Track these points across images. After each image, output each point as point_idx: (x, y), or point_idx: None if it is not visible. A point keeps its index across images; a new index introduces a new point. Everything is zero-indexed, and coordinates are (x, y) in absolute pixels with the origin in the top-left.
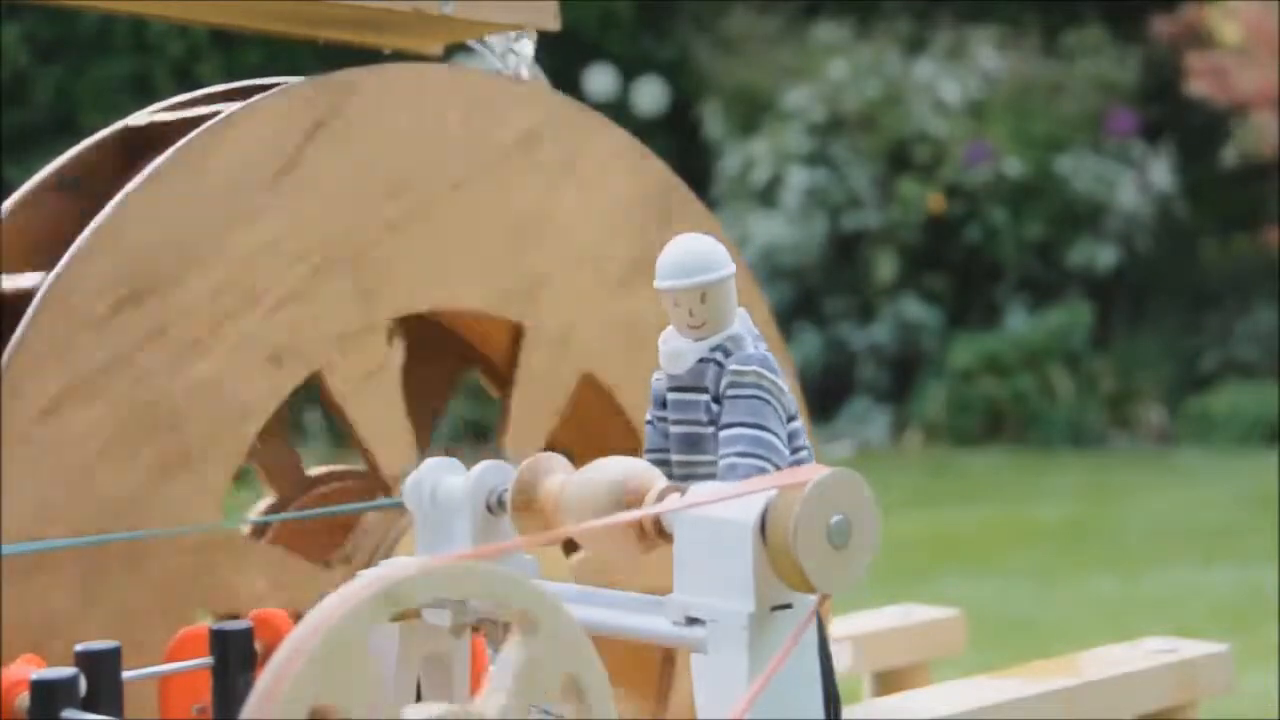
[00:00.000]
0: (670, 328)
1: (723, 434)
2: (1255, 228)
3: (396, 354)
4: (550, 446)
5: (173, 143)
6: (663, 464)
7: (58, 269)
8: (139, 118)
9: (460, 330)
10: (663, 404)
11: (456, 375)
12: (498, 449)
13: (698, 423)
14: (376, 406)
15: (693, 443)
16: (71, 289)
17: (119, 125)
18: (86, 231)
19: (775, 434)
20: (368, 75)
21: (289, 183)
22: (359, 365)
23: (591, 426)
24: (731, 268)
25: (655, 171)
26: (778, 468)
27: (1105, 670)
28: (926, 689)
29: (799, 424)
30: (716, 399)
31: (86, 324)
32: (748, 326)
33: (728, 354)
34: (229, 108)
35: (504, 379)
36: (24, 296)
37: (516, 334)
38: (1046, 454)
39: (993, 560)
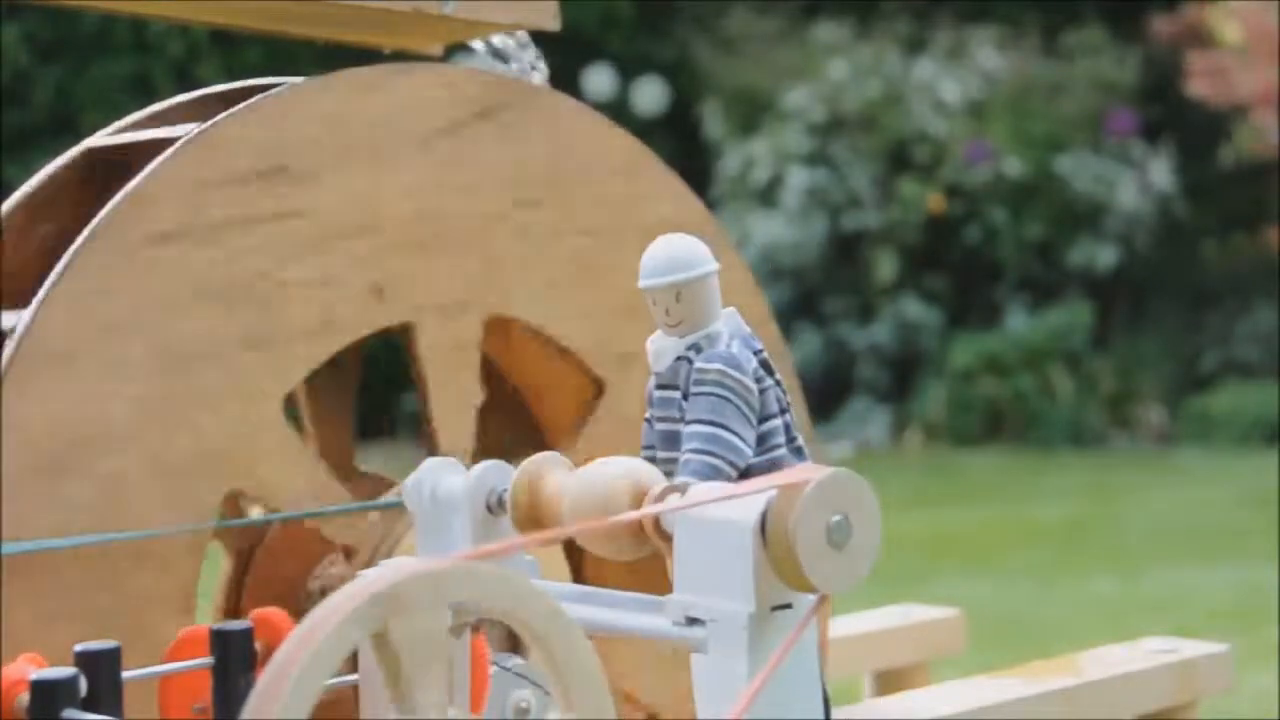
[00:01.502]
0: (659, 328)
1: (684, 430)
2: (1255, 228)
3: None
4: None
5: (139, 165)
6: (652, 461)
7: (210, 121)
8: (100, 139)
9: (523, 384)
10: (651, 402)
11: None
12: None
13: (674, 420)
14: (452, 382)
15: (672, 440)
16: (217, 143)
17: (83, 147)
18: (248, 100)
19: (735, 432)
20: (548, 96)
21: (443, 148)
22: (449, 335)
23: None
24: (710, 266)
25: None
26: (734, 466)
27: (1105, 670)
28: (926, 689)
29: (779, 422)
30: (686, 396)
31: (222, 178)
32: (734, 325)
33: (699, 352)
34: (190, 128)
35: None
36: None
37: (596, 391)
38: (1046, 454)
39: (992, 560)
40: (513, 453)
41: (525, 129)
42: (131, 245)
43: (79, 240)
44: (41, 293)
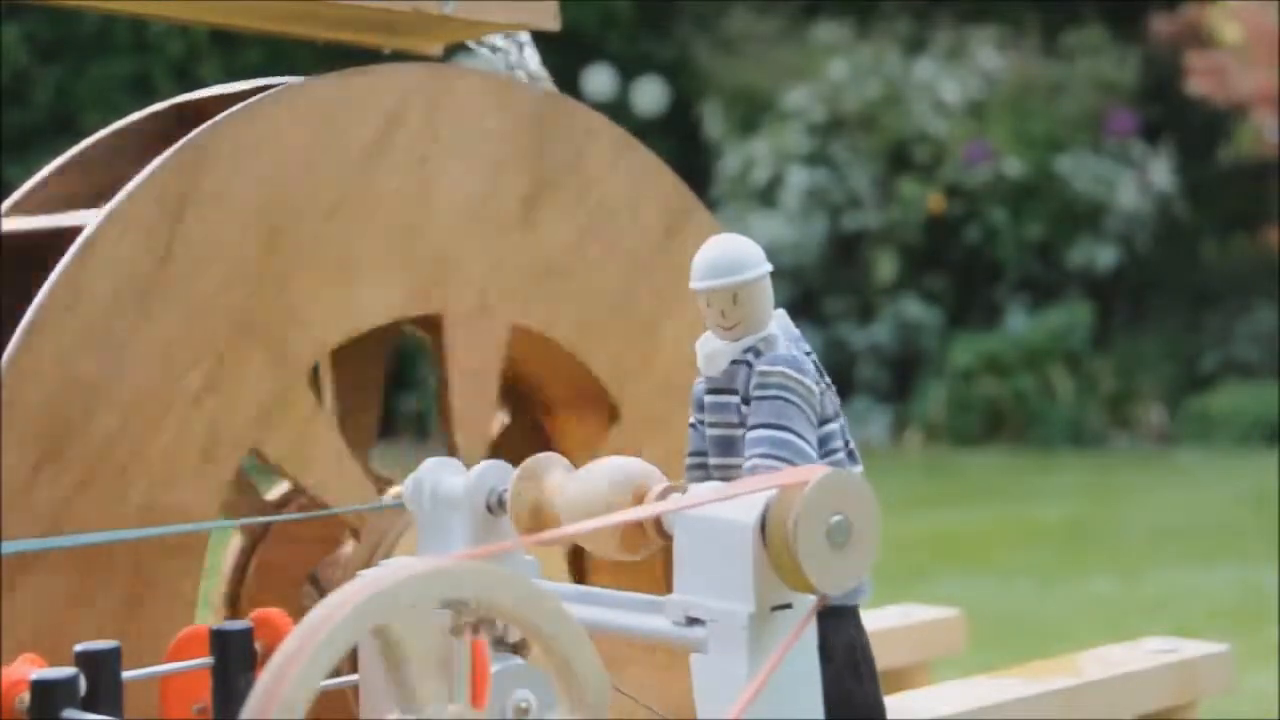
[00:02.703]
0: (708, 330)
1: (748, 435)
2: (1255, 228)
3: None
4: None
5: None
6: (702, 467)
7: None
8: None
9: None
10: (701, 406)
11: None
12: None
13: (730, 425)
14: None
15: (727, 445)
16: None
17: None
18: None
19: (800, 436)
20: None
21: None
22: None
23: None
24: (766, 267)
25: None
26: None
27: (1105, 670)
28: (926, 689)
29: (835, 425)
30: (746, 400)
31: None
32: (785, 327)
33: (759, 355)
34: (86, 215)
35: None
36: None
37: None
38: (1046, 454)
39: (993, 560)
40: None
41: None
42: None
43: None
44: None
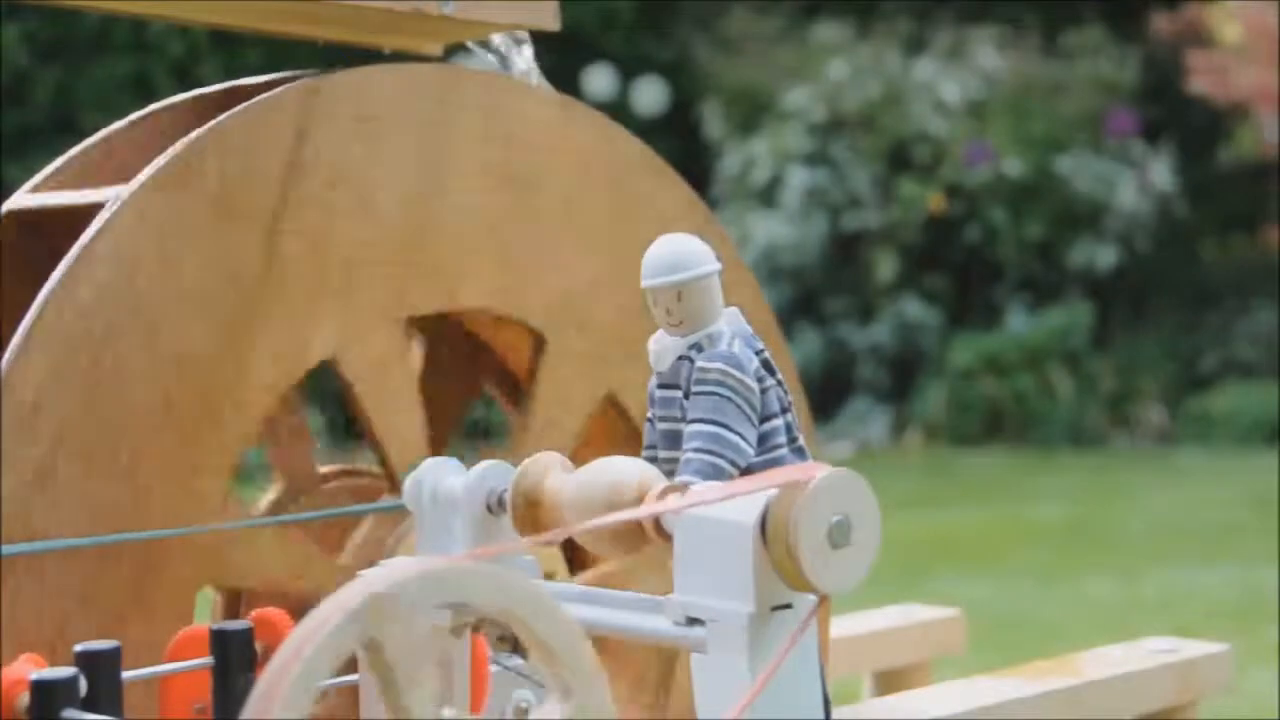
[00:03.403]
0: (661, 327)
1: (685, 430)
2: (1255, 228)
3: (414, 355)
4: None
5: (63, 229)
6: (654, 460)
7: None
8: (22, 199)
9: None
10: (653, 401)
11: (474, 390)
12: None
13: (675, 419)
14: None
15: (674, 439)
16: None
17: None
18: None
19: (736, 432)
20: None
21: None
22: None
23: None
24: (711, 266)
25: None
26: (736, 465)
27: (1105, 670)
28: (926, 689)
29: (780, 421)
30: (688, 395)
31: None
32: (736, 324)
33: (701, 351)
34: (113, 191)
35: (523, 392)
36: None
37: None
38: (1046, 454)
39: (993, 560)
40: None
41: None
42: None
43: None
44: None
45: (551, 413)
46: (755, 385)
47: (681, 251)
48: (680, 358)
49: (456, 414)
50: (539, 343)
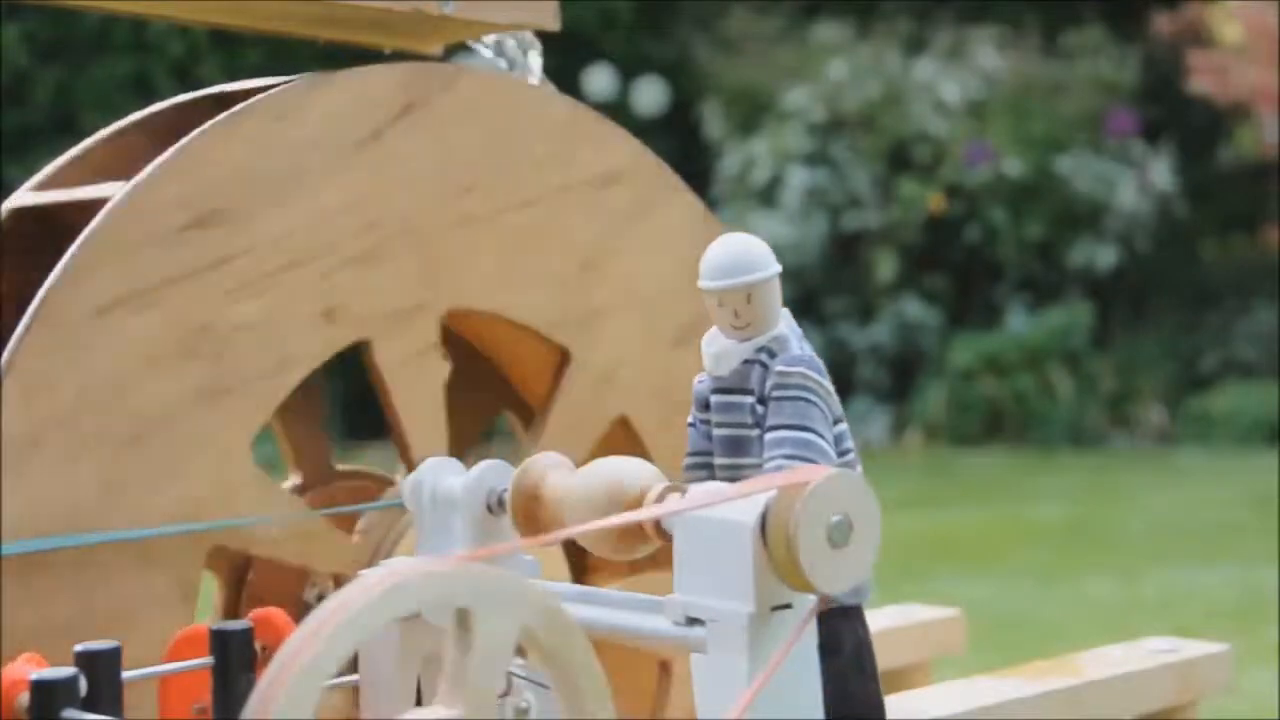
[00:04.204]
0: (714, 329)
1: (768, 436)
2: (1255, 228)
3: (445, 363)
4: None
5: (68, 221)
6: (705, 467)
7: (135, 180)
8: (23, 197)
9: (501, 366)
10: (705, 406)
11: (491, 415)
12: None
13: (742, 425)
14: (419, 389)
15: (737, 445)
16: (145, 201)
17: (7, 206)
18: (168, 151)
19: (822, 436)
20: (467, 75)
21: (373, 151)
22: (408, 344)
23: None
24: (776, 267)
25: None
26: None
27: (1105, 670)
28: (926, 689)
29: (844, 426)
30: (762, 400)
31: (153, 237)
32: (792, 327)
33: (773, 355)
34: (115, 187)
35: (535, 416)
36: (99, 204)
37: (562, 360)
38: (1046, 454)
39: (992, 560)
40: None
41: (447, 119)
42: (70, 324)
43: (20, 326)
44: None
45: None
46: (832, 389)
47: (748, 252)
48: (747, 361)
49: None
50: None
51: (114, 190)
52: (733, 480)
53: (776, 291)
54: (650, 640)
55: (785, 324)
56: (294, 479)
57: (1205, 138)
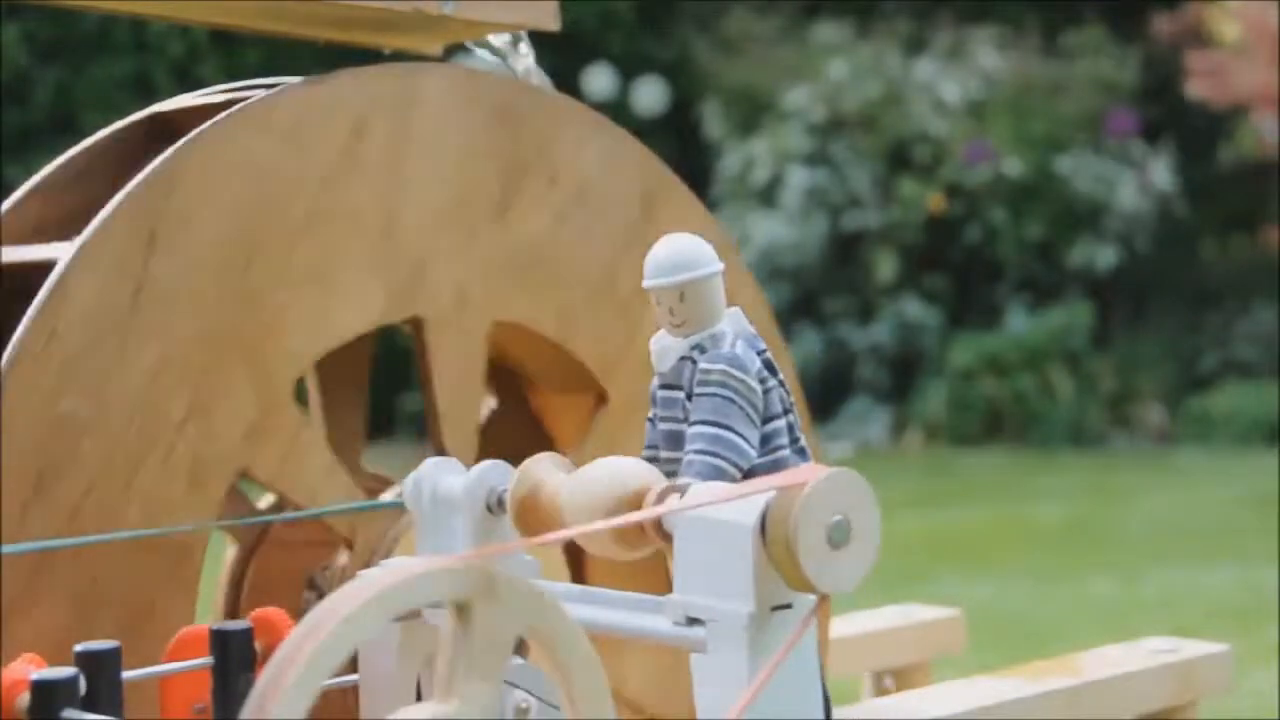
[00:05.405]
0: (663, 328)
1: (688, 431)
2: (1255, 228)
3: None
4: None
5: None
6: (654, 460)
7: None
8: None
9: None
10: (655, 401)
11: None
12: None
13: (678, 420)
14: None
15: (676, 440)
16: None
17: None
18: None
19: (738, 433)
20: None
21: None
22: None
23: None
24: (714, 266)
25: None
26: (738, 466)
27: (1105, 670)
28: (926, 689)
29: (782, 422)
30: (690, 396)
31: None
32: (739, 325)
33: (704, 352)
34: (58, 249)
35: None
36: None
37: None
38: (1046, 454)
39: (992, 560)
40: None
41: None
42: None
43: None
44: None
45: None
46: (758, 386)
47: (685, 251)
48: (682, 358)
49: None
50: None
51: (60, 251)
52: (672, 474)
53: (716, 290)
54: (650, 640)
55: (729, 322)
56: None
57: (1205, 138)
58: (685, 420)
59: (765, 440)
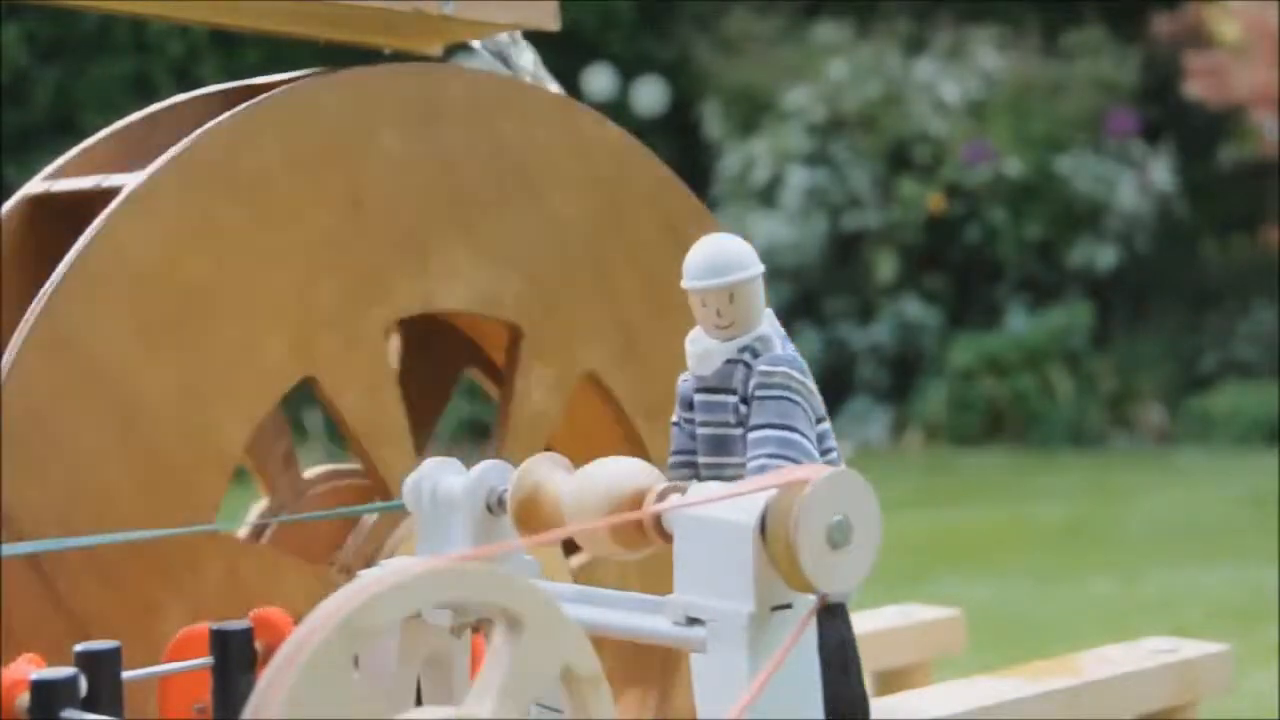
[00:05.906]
0: (698, 328)
1: (751, 435)
2: (1255, 228)
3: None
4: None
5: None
6: (689, 465)
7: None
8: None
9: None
10: (689, 405)
11: (457, 375)
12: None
13: (725, 424)
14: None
15: (720, 444)
16: None
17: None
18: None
19: (804, 435)
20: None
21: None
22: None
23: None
24: (759, 267)
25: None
26: None
27: (1105, 670)
28: (926, 689)
29: (827, 425)
30: (745, 400)
31: None
32: (775, 326)
33: (756, 355)
34: (127, 179)
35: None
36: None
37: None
38: (1046, 454)
39: (993, 560)
40: None
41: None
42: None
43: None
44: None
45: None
46: (815, 388)
47: (732, 252)
48: (729, 361)
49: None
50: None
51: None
52: (716, 479)
53: (760, 291)
54: (650, 640)
55: (768, 324)
56: (265, 501)
57: (1205, 138)
58: (736, 424)
59: (817, 441)
